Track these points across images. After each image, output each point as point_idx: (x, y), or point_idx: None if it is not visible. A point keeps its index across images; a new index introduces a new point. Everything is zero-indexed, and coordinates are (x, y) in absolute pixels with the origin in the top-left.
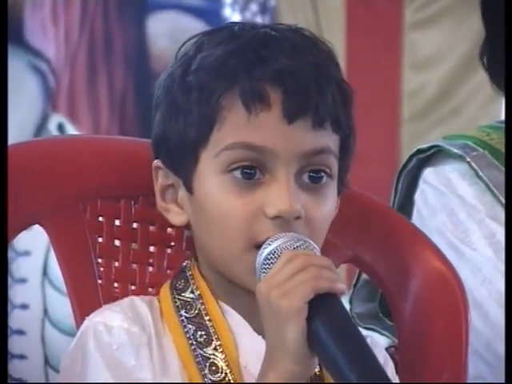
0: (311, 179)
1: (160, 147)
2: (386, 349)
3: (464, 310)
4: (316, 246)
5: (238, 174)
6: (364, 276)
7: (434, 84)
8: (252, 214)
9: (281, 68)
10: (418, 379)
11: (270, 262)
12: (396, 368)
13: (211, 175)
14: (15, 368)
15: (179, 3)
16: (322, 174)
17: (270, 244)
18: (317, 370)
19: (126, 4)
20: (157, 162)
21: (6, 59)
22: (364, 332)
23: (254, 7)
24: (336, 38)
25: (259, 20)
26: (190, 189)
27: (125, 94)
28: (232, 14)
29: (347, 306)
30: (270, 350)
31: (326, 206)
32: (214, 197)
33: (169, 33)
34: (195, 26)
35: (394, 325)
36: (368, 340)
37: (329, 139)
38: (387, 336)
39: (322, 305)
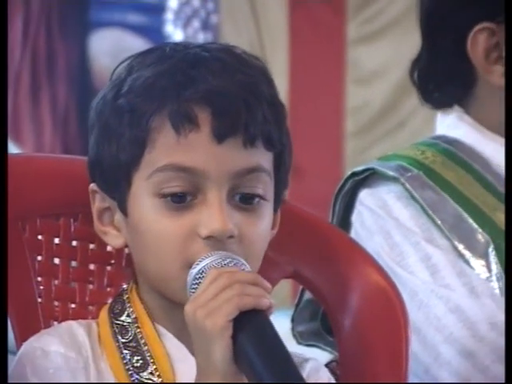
0: (244, 201)
1: (95, 171)
2: (328, 363)
3: (404, 324)
4: (245, 263)
5: (169, 199)
6: (306, 296)
7: (378, 99)
8: (186, 235)
9: (209, 88)
10: None
11: (197, 281)
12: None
13: (144, 198)
14: None
15: (121, 21)
16: (255, 197)
17: (198, 263)
18: None
19: (69, 22)
20: (93, 186)
21: (5, 57)
22: (308, 354)
23: (196, 24)
24: (279, 53)
25: (201, 36)
26: (124, 211)
27: (68, 111)
28: (174, 31)
29: (289, 324)
30: (199, 368)
31: (261, 224)
32: (147, 219)
33: (111, 50)
34: (137, 43)
35: (335, 340)
36: (312, 363)
37: (261, 157)
38: (329, 351)
39: (246, 322)
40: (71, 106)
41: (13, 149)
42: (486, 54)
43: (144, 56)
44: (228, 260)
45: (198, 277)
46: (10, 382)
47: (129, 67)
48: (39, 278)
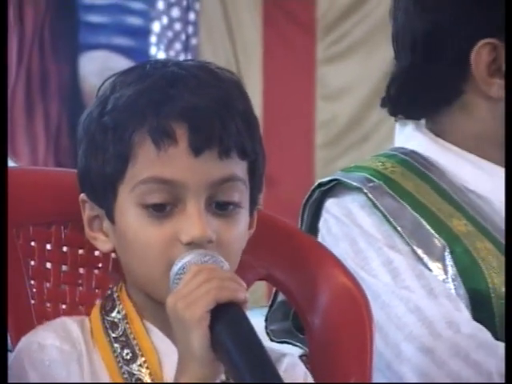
0: (221, 208)
1: (84, 182)
2: (299, 357)
3: (369, 322)
4: (223, 260)
5: (151, 209)
6: (279, 298)
7: (345, 114)
8: (168, 242)
9: (186, 105)
10: (327, 381)
11: (179, 276)
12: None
13: (129, 207)
14: None
15: (109, 43)
16: (230, 205)
17: (180, 260)
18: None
19: (60, 44)
20: (83, 196)
21: (5, 57)
22: (284, 351)
23: (177, 46)
24: (254, 72)
25: (182, 57)
26: (112, 220)
27: (59, 127)
28: (157, 53)
29: (263, 323)
30: (181, 356)
31: (237, 228)
32: (133, 227)
33: (99, 70)
34: (123, 64)
35: (305, 337)
36: (289, 358)
37: (235, 167)
38: (299, 347)
39: (223, 313)
40: (63, 122)
41: (9, 162)
42: (488, 67)
43: (126, 75)
44: (207, 257)
45: (179, 272)
46: (8, 373)
47: (112, 85)
48: (32, 281)
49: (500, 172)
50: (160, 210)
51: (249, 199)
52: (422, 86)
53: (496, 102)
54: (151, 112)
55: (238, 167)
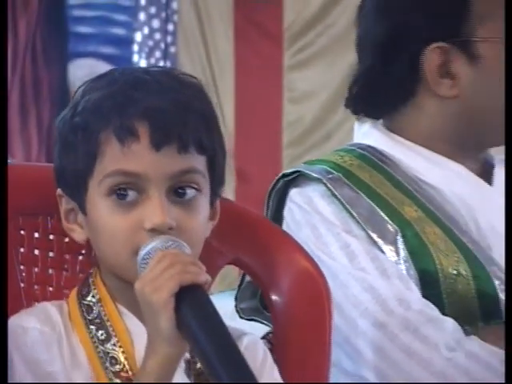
0: (180, 195)
1: (59, 178)
2: (266, 334)
3: (327, 300)
4: (185, 244)
5: (118, 197)
6: (246, 279)
7: (309, 115)
8: (133, 229)
9: (147, 106)
10: (290, 358)
11: (145, 261)
12: (272, 351)
13: (98, 199)
14: None
15: (95, 51)
16: (187, 189)
17: (145, 246)
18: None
19: (51, 52)
20: (59, 191)
21: (5, 58)
22: (246, 330)
23: (157, 54)
24: (227, 78)
25: (162, 64)
26: (84, 211)
27: (51, 129)
28: (139, 60)
29: (233, 302)
30: (150, 337)
31: (197, 216)
32: (102, 217)
33: (87, 77)
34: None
35: (271, 315)
36: (249, 337)
37: (194, 161)
38: (266, 324)
39: (186, 295)
40: (54, 124)
41: None
42: (438, 69)
43: (96, 81)
44: (170, 243)
45: (145, 257)
46: None
47: (84, 90)
48: (22, 266)
49: (450, 164)
50: (125, 200)
51: (209, 191)
52: (380, 87)
53: (445, 101)
54: (116, 113)
55: (197, 161)
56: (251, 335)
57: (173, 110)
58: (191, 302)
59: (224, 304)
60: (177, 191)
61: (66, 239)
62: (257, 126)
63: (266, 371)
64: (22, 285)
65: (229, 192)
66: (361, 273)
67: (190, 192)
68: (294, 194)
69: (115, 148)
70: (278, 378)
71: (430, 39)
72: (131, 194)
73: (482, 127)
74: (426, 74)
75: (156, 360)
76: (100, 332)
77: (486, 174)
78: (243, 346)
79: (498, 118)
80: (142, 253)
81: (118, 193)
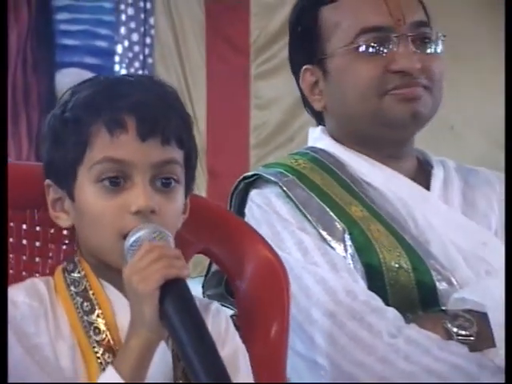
0: (163, 185)
1: (49, 169)
2: (230, 317)
3: (286, 287)
4: (169, 234)
5: (106, 183)
6: (213, 268)
7: (273, 120)
8: (119, 212)
9: (135, 100)
10: (254, 336)
11: (133, 248)
12: (237, 330)
13: (86, 185)
14: None
15: (80, 61)
16: (171, 180)
17: (134, 234)
18: None
19: (39, 62)
20: (48, 181)
21: (6, 59)
22: (211, 300)
23: (136, 64)
24: (199, 86)
25: (140, 73)
26: (72, 197)
27: (40, 131)
28: (120, 70)
29: (200, 290)
30: (133, 321)
31: (175, 204)
32: (89, 202)
33: (72, 84)
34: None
35: (235, 300)
36: (214, 305)
37: (175, 153)
38: (230, 308)
39: (170, 288)
40: (42, 126)
41: None
42: (310, 87)
43: (84, 83)
44: (157, 233)
45: (133, 245)
46: None
47: (72, 91)
48: (11, 255)
49: (387, 168)
50: (113, 184)
51: (184, 185)
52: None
53: (325, 113)
54: (106, 107)
55: (177, 154)
56: (216, 304)
57: (158, 105)
58: (174, 295)
59: (196, 289)
60: (162, 181)
61: (52, 230)
62: (227, 128)
63: (230, 335)
64: (11, 271)
65: (201, 188)
66: (313, 266)
67: (172, 183)
68: (253, 194)
69: (105, 138)
70: (240, 342)
71: (303, 62)
72: (118, 180)
73: (354, 128)
74: (304, 91)
75: (137, 341)
76: (85, 304)
77: (424, 174)
78: (211, 312)
79: (361, 116)
80: (131, 239)
81: (111, 180)
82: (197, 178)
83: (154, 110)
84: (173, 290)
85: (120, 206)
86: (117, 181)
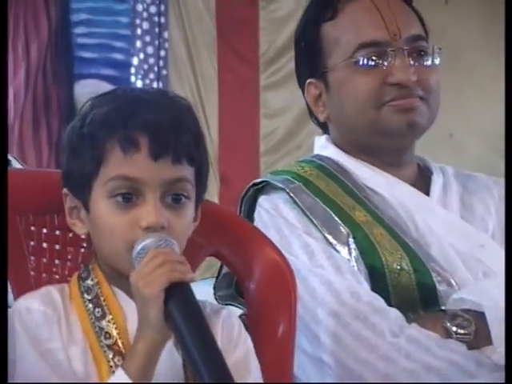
0: (173, 201)
1: (66, 180)
2: (240, 316)
3: (293, 288)
4: (174, 242)
5: (119, 198)
6: (223, 270)
7: (282, 128)
8: (130, 227)
9: (148, 121)
10: (262, 334)
11: (140, 255)
12: (247, 329)
13: (101, 199)
14: None
15: (98, 73)
16: (181, 197)
17: (140, 243)
18: None
19: (59, 74)
20: (65, 190)
21: (6, 62)
22: (223, 305)
23: (151, 75)
24: (211, 96)
25: (155, 85)
26: (87, 209)
27: (59, 138)
28: (136, 81)
29: (212, 290)
30: (140, 323)
31: (184, 219)
32: (103, 215)
33: (90, 94)
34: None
35: (245, 300)
36: (226, 310)
37: (185, 171)
38: (240, 308)
39: (174, 291)
40: (62, 134)
41: (18, 166)
42: (314, 100)
43: (102, 97)
44: (162, 241)
45: (140, 252)
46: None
47: (91, 105)
48: (32, 257)
49: (389, 174)
50: (125, 200)
51: (195, 197)
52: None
53: (329, 123)
54: (120, 125)
55: (187, 171)
56: (227, 309)
57: (169, 126)
58: (178, 298)
59: (209, 289)
60: (172, 197)
61: (70, 234)
62: (237, 137)
63: (242, 339)
64: (32, 273)
65: (213, 194)
66: (319, 269)
67: (183, 199)
68: (262, 200)
69: (119, 156)
70: (251, 346)
71: (308, 76)
72: (130, 196)
73: (355, 138)
74: (309, 103)
75: (144, 343)
76: (97, 310)
77: (424, 180)
78: (222, 317)
79: (360, 126)
80: (138, 248)
81: (123, 196)
82: (209, 184)
83: (166, 129)
84: (177, 292)
85: (131, 221)
86: (129, 197)
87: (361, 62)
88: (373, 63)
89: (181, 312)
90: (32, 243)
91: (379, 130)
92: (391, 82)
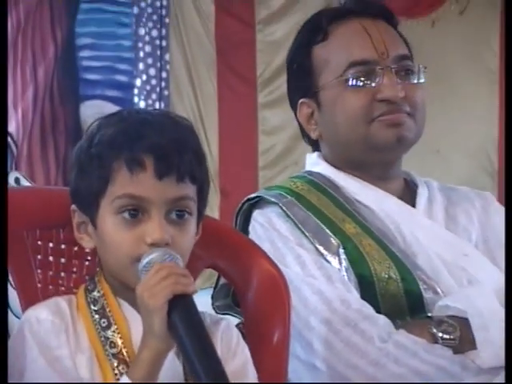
0: (177, 216)
1: (74, 196)
2: (237, 324)
3: (287, 298)
4: (178, 257)
5: (126, 215)
6: (221, 281)
7: (279, 144)
8: (136, 242)
9: (152, 142)
10: (259, 341)
11: (146, 268)
12: (243, 337)
13: (108, 216)
14: None
15: (102, 94)
16: (184, 213)
17: (146, 257)
18: None
19: (65, 95)
20: (73, 207)
21: (5, 64)
22: (222, 316)
23: (153, 96)
24: (211, 114)
25: (157, 105)
26: (95, 225)
27: (66, 157)
28: (139, 101)
29: (209, 300)
30: (144, 332)
31: (187, 235)
32: (110, 231)
33: (95, 115)
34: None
35: (241, 309)
36: (225, 321)
37: (188, 190)
38: (237, 317)
39: (177, 303)
40: (69, 153)
41: (26, 183)
42: (307, 118)
43: (109, 118)
44: (167, 256)
45: (146, 266)
46: (15, 336)
47: (98, 126)
48: (39, 270)
49: (377, 188)
50: (131, 217)
51: (196, 213)
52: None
53: (321, 140)
54: (127, 146)
55: (190, 189)
56: (226, 320)
57: (173, 146)
58: (181, 309)
59: (208, 298)
60: (176, 213)
61: (75, 248)
62: (237, 152)
63: (240, 348)
64: (39, 285)
65: (214, 206)
66: (310, 279)
67: (186, 215)
68: (256, 214)
69: (125, 175)
70: (249, 355)
71: (300, 96)
72: (136, 213)
73: (346, 153)
74: (301, 122)
75: (149, 352)
76: (103, 320)
77: (410, 193)
78: (221, 328)
79: (352, 140)
80: (144, 261)
81: (130, 212)
82: (210, 197)
83: (170, 150)
84: (180, 304)
85: (137, 237)
86: (135, 213)
87: (351, 82)
88: (361, 83)
89: (183, 322)
90: (39, 257)
91: (370, 144)
92: (380, 98)
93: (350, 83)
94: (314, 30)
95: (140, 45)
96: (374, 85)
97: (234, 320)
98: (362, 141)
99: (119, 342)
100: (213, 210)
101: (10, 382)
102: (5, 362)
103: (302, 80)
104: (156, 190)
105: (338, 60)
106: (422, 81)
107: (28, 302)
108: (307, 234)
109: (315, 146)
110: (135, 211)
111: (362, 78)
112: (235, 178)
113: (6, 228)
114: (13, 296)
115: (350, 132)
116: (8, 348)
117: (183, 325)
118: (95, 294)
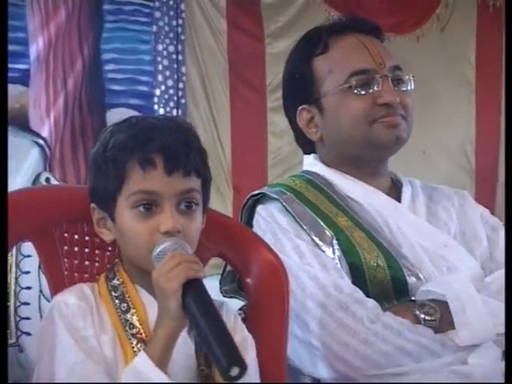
0: (186, 207)
1: (93, 195)
2: (242, 307)
3: (286, 283)
4: (189, 246)
5: (141, 208)
6: (227, 268)
7: (287, 146)
8: (151, 232)
9: (161, 143)
10: (260, 322)
11: (159, 257)
12: (247, 317)
13: (125, 211)
14: (23, 325)
15: (126, 103)
16: (192, 204)
17: (159, 246)
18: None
19: (93, 104)
20: (92, 205)
21: (5, 66)
22: (227, 299)
23: (171, 104)
24: (225, 121)
25: (175, 112)
26: (113, 219)
27: None
28: (159, 109)
29: (218, 285)
30: (160, 314)
31: (195, 223)
32: (127, 224)
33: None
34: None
35: (245, 294)
36: (225, 305)
37: (194, 183)
38: (242, 300)
39: (190, 286)
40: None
41: (54, 182)
42: (307, 123)
43: (120, 125)
44: (178, 245)
45: (160, 254)
46: (46, 319)
47: (111, 132)
48: (65, 259)
49: (367, 185)
50: (146, 210)
51: (202, 205)
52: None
53: (319, 142)
54: (138, 148)
55: (196, 183)
56: (227, 304)
57: (179, 146)
58: (194, 291)
59: (215, 283)
60: (185, 204)
61: (97, 240)
62: (248, 153)
63: (239, 326)
64: (66, 272)
65: (228, 201)
66: (307, 267)
67: (193, 206)
68: (259, 209)
69: (138, 173)
70: (247, 333)
71: (299, 103)
72: (150, 207)
73: (347, 152)
74: (301, 127)
75: (164, 330)
76: (123, 305)
77: (396, 190)
78: (223, 310)
79: (354, 140)
80: (158, 249)
81: (144, 206)
82: (224, 193)
83: (176, 149)
84: (192, 287)
85: (152, 228)
86: (149, 207)
87: (354, 89)
88: (363, 90)
89: (196, 302)
90: (65, 247)
91: (371, 143)
92: (381, 102)
93: (354, 90)
94: (314, 44)
95: (159, 59)
96: (373, 91)
97: (239, 303)
98: (363, 139)
99: (137, 323)
100: (226, 205)
101: (36, 360)
102: (5, 361)
103: (302, 88)
104: (166, 184)
105: (340, 70)
106: (410, 89)
107: (56, 287)
108: (304, 227)
109: (308, 148)
110: (149, 205)
111: (364, 85)
112: (247, 176)
113: (6, 228)
114: (44, 282)
115: (353, 131)
116: (39, 328)
117: (196, 304)
118: (115, 281)
